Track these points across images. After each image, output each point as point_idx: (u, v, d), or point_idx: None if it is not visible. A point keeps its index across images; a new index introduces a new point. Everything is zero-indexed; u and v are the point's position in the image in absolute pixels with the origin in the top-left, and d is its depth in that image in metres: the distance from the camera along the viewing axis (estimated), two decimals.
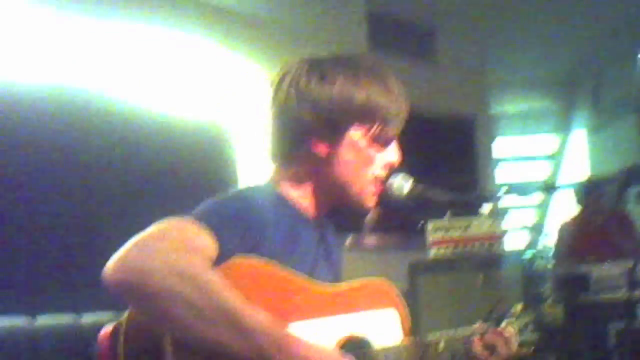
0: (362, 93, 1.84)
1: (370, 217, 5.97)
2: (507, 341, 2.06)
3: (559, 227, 6.87)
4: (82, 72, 4.29)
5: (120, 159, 4.05)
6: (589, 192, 6.27)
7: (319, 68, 1.86)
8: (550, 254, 6.75)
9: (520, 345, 2.18)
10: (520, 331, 2.19)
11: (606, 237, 5.95)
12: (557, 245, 6.68)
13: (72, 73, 4.24)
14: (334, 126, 1.84)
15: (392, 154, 1.94)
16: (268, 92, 1.93)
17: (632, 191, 1.68)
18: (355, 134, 1.86)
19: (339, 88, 1.83)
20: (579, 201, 6.50)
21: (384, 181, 1.94)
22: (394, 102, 1.89)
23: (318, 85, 1.83)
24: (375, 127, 1.87)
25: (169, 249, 1.49)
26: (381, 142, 1.90)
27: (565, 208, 6.81)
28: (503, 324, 2.15)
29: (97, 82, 4.31)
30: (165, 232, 1.54)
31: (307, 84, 1.84)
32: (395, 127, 1.91)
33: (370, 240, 6.14)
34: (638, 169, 1.61)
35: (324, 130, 1.83)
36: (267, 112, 1.92)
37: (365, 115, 1.85)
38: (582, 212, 6.48)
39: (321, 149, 1.85)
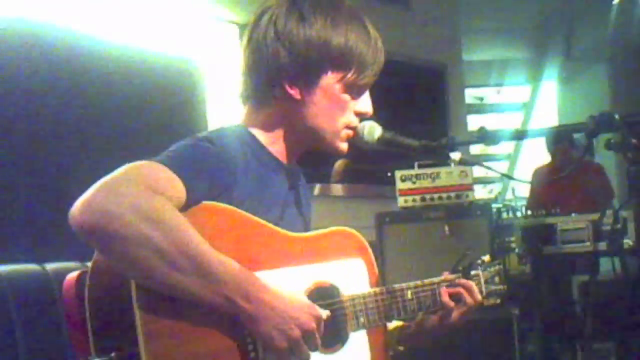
0: (340, 38, 1.83)
1: (338, 166, 5.95)
2: (470, 292, 2.06)
3: (532, 172, 6.91)
4: (47, 5, 4.17)
5: (86, 96, 3.95)
6: (557, 141, 6.29)
7: (298, 9, 1.84)
8: (519, 204, 6.80)
9: (488, 295, 2.20)
10: (487, 282, 2.21)
11: (577, 186, 5.98)
12: (531, 191, 6.72)
13: (36, 6, 4.12)
14: (309, 69, 1.83)
15: (364, 103, 1.94)
16: (243, 31, 1.92)
17: (601, 139, 1.66)
18: (330, 79, 1.86)
19: (318, 31, 1.82)
20: (549, 150, 6.52)
21: (355, 128, 1.94)
22: (371, 50, 1.88)
23: (297, 26, 1.82)
24: (350, 73, 1.86)
25: (136, 192, 1.47)
26: (355, 89, 1.90)
27: (535, 158, 6.83)
28: (471, 274, 2.16)
29: (63, 15, 4.19)
30: (133, 175, 1.51)
31: (286, 24, 1.83)
32: (369, 76, 1.91)
33: (339, 189, 6.12)
34: (606, 117, 1.58)
35: (298, 73, 1.82)
36: (243, 51, 1.90)
37: (342, 60, 1.84)
38: (552, 161, 6.51)
39: (295, 91, 1.84)
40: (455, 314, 2.04)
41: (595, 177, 6.30)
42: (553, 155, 6.49)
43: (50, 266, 2.20)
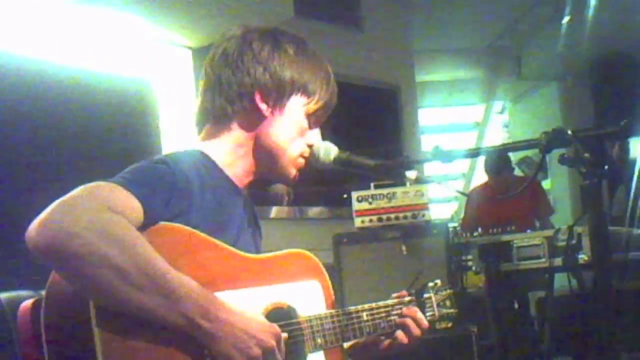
0: (308, 70, 1.94)
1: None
2: (417, 322, 2.09)
3: (468, 194, 6.98)
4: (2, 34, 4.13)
5: (40, 118, 3.90)
6: (499, 160, 6.38)
7: (272, 37, 1.94)
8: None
9: (440, 319, 2.25)
10: (439, 305, 2.25)
11: (514, 204, 6.05)
12: (466, 210, 6.79)
13: None
14: (282, 88, 1.90)
15: (316, 137, 2.01)
16: (196, 55, 1.96)
17: (551, 156, 1.69)
18: (298, 102, 1.93)
19: (291, 59, 1.91)
20: (488, 170, 6.61)
21: (306, 158, 1.99)
22: (330, 89, 1.99)
23: (272, 50, 1.91)
24: (314, 102, 1.94)
25: (94, 211, 1.46)
26: (313, 119, 1.98)
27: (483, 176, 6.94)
28: (423, 297, 2.20)
29: (15, 39, 4.15)
30: (90, 195, 1.51)
31: (263, 46, 1.91)
32: (325, 110, 2.01)
33: (296, 211, 6.12)
34: (559, 133, 1.61)
35: (271, 89, 1.89)
36: (209, 67, 1.95)
37: (308, 89, 1.93)
38: (491, 180, 6.59)
39: (265, 106, 1.90)
40: (404, 341, 2.07)
41: (533, 193, 6.37)
42: (493, 173, 6.57)
43: (3, 295, 2.16)
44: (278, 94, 1.90)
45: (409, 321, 2.07)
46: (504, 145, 2.65)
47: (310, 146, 1.97)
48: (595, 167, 1.56)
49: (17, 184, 3.68)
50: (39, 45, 4.28)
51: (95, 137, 4.14)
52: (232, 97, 1.89)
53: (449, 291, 2.30)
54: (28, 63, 3.96)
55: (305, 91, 1.93)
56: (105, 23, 4.76)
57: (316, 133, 2.01)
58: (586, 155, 1.57)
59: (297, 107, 1.93)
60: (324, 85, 1.96)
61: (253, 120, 1.91)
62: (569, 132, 1.62)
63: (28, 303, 1.57)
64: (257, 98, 1.89)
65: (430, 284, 2.25)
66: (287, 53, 1.92)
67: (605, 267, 1.58)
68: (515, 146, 2.00)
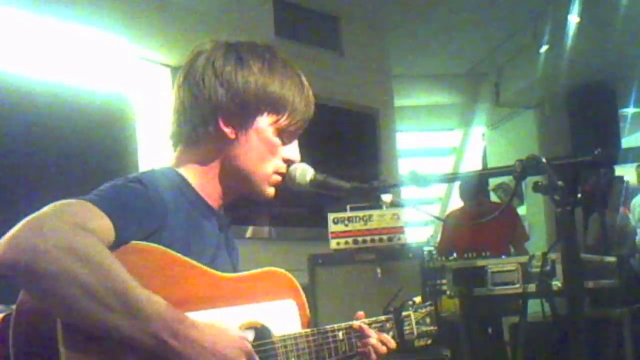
0: (276, 83, 1.87)
1: (269, 209, 5.96)
2: (384, 343, 2.07)
3: (445, 218, 7.00)
4: None
5: (17, 133, 3.88)
6: (474, 186, 6.41)
7: (236, 52, 1.88)
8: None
9: (419, 336, 2.24)
10: (419, 323, 2.25)
11: (490, 229, 6.07)
12: (442, 234, 6.81)
13: None
14: (246, 109, 1.85)
15: (293, 150, 1.97)
16: (176, 73, 1.93)
17: (527, 182, 1.71)
18: (265, 121, 1.88)
19: (255, 75, 1.85)
20: (463, 196, 6.65)
21: (284, 174, 1.95)
22: (304, 99, 1.93)
23: (234, 68, 1.85)
24: (283, 118, 1.89)
25: (64, 228, 1.44)
26: (286, 135, 1.93)
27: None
28: (402, 315, 2.19)
29: None
30: (61, 213, 1.49)
31: (225, 65, 1.85)
32: (300, 123, 1.95)
33: (272, 231, 6.12)
34: (533, 161, 1.62)
35: (234, 112, 1.84)
36: (177, 89, 1.91)
37: (276, 105, 1.88)
38: (466, 206, 6.62)
39: (230, 129, 1.85)
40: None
41: (508, 219, 6.40)
42: (469, 199, 6.60)
43: None
44: (242, 116, 1.85)
45: (372, 343, 2.05)
46: (479, 171, 2.67)
47: (286, 161, 1.94)
48: (569, 195, 1.58)
49: None
50: (19, 60, 4.26)
51: (72, 152, 4.12)
52: (196, 122, 1.85)
53: (428, 308, 2.29)
54: (6, 78, 3.94)
55: (273, 109, 1.88)
56: (84, 39, 4.76)
57: (293, 147, 1.96)
58: (560, 183, 1.58)
59: (265, 126, 1.88)
60: (296, 99, 1.90)
61: (220, 143, 1.87)
62: (544, 160, 1.64)
63: None
64: (221, 122, 1.84)
65: (410, 302, 2.25)
66: (251, 70, 1.85)
67: (577, 294, 1.59)
68: (490, 173, 2.03)
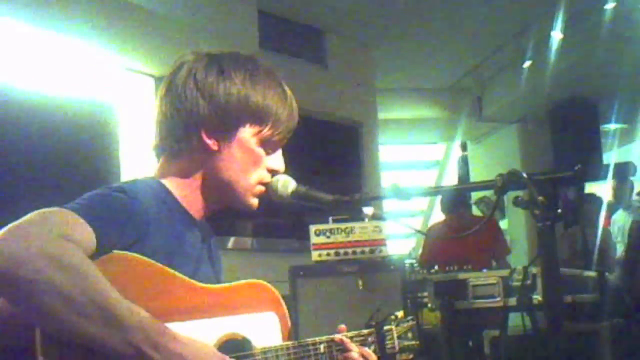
0: (258, 94, 1.86)
1: (251, 220, 5.96)
2: (365, 355, 2.06)
3: (427, 231, 7.01)
4: None
5: None
6: (453, 207, 6.44)
7: (218, 63, 1.87)
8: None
9: (401, 351, 2.22)
10: (401, 337, 2.23)
11: (472, 242, 6.09)
12: (424, 247, 6.83)
13: None
14: (227, 121, 1.84)
15: (277, 160, 1.96)
16: (159, 84, 1.91)
17: (508, 197, 1.72)
18: (247, 132, 1.87)
19: (237, 85, 1.84)
20: (445, 209, 6.67)
21: (267, 184, 1.94)
22: (287, 108, 1.92)
23: (216, 80, 1.84)
24: (266, 129, 1.88)
25: (45, 237, 1.44)
26: (270, 145, 1.92)
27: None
28: (384, 329, 2.18)
29: None
30: (42, 221, 1.48)
31: (206, 76, 1.84)
32: (284, 133, 1.94)
33: (253, 242, 6.11)
34: (514, 175, 1.64)
35: (216, 124, 1.83)
36: (159, 101, 1.90)
37: (259, 116, 1.87)
38: (448, 219, 6.64)
39: (212, 141, 1.84)
40: None
41: (490, 232, 6.42)
42: (450, 212, 6.63)
43: None
44: (224, 128, 1.84)
45: (356, 358, 2.04)
46: (460, 185, 2.68)
47: (271, 171, 1.93)
48: (549, 210, 1.59)
49: None
50: (3, 69, 4.25)
51: (55, 160, 4.11)
52: (179, 134, 1.85)
53: (410, 323, 2.27)
54: None
55: (256, 119, 1.87)
56: (68, 49, 4.75)
57: (277, 157, 1.95)
58: (540, 198, 1.59)
59: (248, 137, 1.87)
60: (279, 109, 1.89)
61: (203, 155, 1.86)
62: (524, 174, 1.65)
63: None
64: (203, 134, 1.83)
65: (392, 316, 2.24)
66: (233, 81, 1.85)
67: (557, 308, 1.60)
68: (470, 187, 2.04)
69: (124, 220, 1.65)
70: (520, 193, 1.69)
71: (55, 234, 1.46)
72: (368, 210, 1.95)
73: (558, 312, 1.62)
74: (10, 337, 1.48)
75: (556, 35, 7.27)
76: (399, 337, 2.22)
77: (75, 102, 4.44)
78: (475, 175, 10.28)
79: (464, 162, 10.69)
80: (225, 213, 2.02)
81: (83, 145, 4.37)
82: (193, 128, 1.84)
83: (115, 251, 1.60)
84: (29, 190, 3.82)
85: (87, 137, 4.44)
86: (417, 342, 2.27)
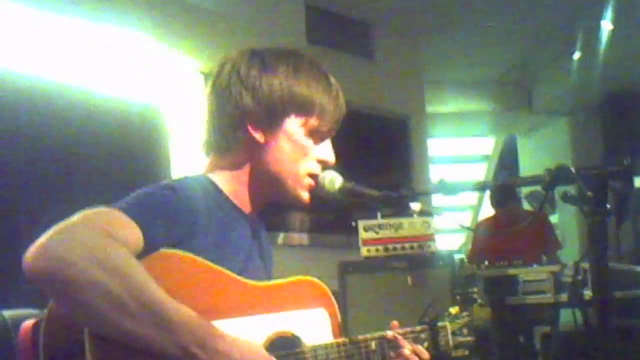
0: (302, 84, 1.87)
1: (300, 216, 5.97)
2: (417, 353, 2.04)
3: (476, 226, 6.95)
4: (10, 50, 4.16)
5: (49, 140, 3.91)
6: (505, 193, 6.36)
7: (260, 57, 1.89)
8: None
9: (455, 347, 2.21)
10: (455, 333, 2.21)
11: (521, 237, 6.02)
12: (473, 243, 6.77)
13: (3, 54, 4.10)
14: (273, 112, 1.85)
15: (326, 151, 1.96)
16: (208, 80, 1.94)
17: (557, 191, 1.70)
18: (294, 123, 1.88)
19: (280, 78, 1.86)
20: (494, 203, 6.60)
21: (317, 177, 1.95)
22: (332, 98, 1.92)
23: (259, 73, 1.86)
24: (313, 118, 1.89)
25: (91, 238, 1.45)
26: (317, 135, 1.93)
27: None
28: (437, 326, 2.17)
29: (27, 60, 4.17)
30: (89, 221, 1.50)
31: (249, 70, 1.86)
32: (331, 125, 1.94)
33: (303, 238, 6.12)
34: (563, 170, 1.61)
35: (262, 116, 1.85)
36: (206, 98, 1.93)
37: (304, 106, 1.87)
38: (497, 214, 6.57)
39: (259, 134, 1.86)
40: None
41: (540, 227, 6.34)
42: (500, 207, 6.56)
43: (8, 313, 2.17)
44: (270, 120, 1.86)
45: (408, 355, 2.02)
46: (507, 180, 2.65)
47: (320, 162, 1.94)
48: (598, 206, 1.57)
49: (23, 204, 3.69)
50: (49, 65, 4.30)
51: (103, 161, 4.15)
52: (225, 129, 1.87)
53: (466, 319, 2.26)
54: (37, 83, 3.98)
55: (302, 110, 1.88)
56: (117, 46, 4.80)
57: (326, 147, 1.96)
58: (589, 193, 1.57)
59: (295, 127, 1.88)
60: (324, 99, 1.90)
61: (250, 149, 1.88)
62: (572, 169, 1.63)
63: (29, 323, 1.56)
64: (249, 127, 1.85)
65: (446, 312, 2.23)
66: (275, 74, 1.86)
67: (606, 304, 1.58)
68: (518, 181, 2.02)
69: (171, 218, 1.66)
70: (569, 188, 1.67)
71: (101, 234, 1.47)
72: (415, 206, 1.93)
73: (607, 308, 1.59)
74: (60, 337, 1.49)
75: (606, 26, 7.15)
76: (453, 334, 2.21)
77: (125, 101, 4.48)
78: (525, 169, 10.16)
79: (513, 156, 10.58)
80: (276, 209, 2.02)
81: (132, 145, 4.41)
82: (239, 122, 1.86)
83: (163, 249, 1.61)
84: (77, 191, 3.86)
85: (137, 136, 4.48)
86: (473, 338, 2.25)
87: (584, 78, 8.04)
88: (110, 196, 1.67)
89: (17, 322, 1.61)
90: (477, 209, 10.67)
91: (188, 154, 4.83)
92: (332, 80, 1.96)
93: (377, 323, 2.10)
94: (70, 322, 1.46)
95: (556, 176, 1.65)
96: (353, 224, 4.61)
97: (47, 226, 1.46)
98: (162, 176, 4.52)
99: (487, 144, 10.84)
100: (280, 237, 5.90)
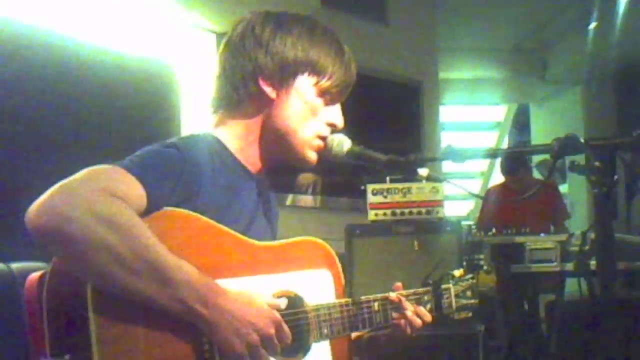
0: (315, 46, 1.89)
1: (305, 177, 5.97)
2: (420, 314, 2.06)
3: (486, 192, 6.94)
4: (24, 5, 4.14)
5: (58, 95, 3.89)
6: (514, 169, 6.35)
7: (275, 18, 1.90)
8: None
9: (458, 309, 2.22)
10: (458, 296, 2.23)
11: (530, 206, 6.02)
12: (482, 210, 6.77)
13: (11, 5, 4.08)
14: (286, 68, 1.87)
15: (335, 115, 1.97)
16: (221, 41, 1.95)
17: (565, 161, 1.70)
18: (305, 82, 1.90)
19: (294, 39, 1.88)
20: (505, 171, 6.59)
21: (325, 139, 1.95)
22: (344, 64, 1.93)
23: (274, 32, 1.87)
24: (324, 79, 1.90)
25: (94, 195, 1.46)
26: (327, 98, 1.93)
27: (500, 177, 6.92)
28: (441, 288, 2.18)
29: (40, 14, 4.15)
30: (92, 179, 1.50)
31: (263, 29, 1.88)
32: (341, 87, 1.95)
33: (311, 200, 6.13)
34: (571, 140, 1.61)
35: (274, 71, 1.86)
36: (219, 56, 1.93)
37: (316, 67, 1.89)
38: (507, 181, 6.56)
39: (270, 88, 1.87)
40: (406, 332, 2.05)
41: (549, 196, 6.33)
42: (510, 174, 6.55)
43: (16, 265, 2.19)
44: (282, 76, 1.87)
45: (407, 315, 2.04)
46: (516, 148, 2.65)
47: (329, 125, 1.95)
48: (605, 176, 1.56)
49: (31, 159, 3.69)
50: (62, 20, 4.28)
51: (113, 118, 4.13)
52: (237, 83, 1.88)
53: (470, 281, 2.27)
54: (49, 37, 3.96)
55: (314, 69, 1.89)
56: (130, 4, 4.78)
57: (335, 110, 1.97)
58: (596, 164, 1.57)
59: (306, 86, 1.89)
60: (336, 61, 1.91)
61: (260, 105, 1.89)
62: (581, 139, 1.62)
63: (35, 275, 1.58)
64: (261, 82, 1.86)
65: (449, 275, 2.23)
66: (290, 33, 1.88)
67: (609, 274, 1.58)
68: (527, 150, 2.02)
69: (175, 177, 1.66)
70: (579, 158, 1.67)
71: (104, 191, 1.48)
72: (423, 171, 1.94)
73: (610, 278, 1.60)
74: (63, 291, 1.51)
75: None
76: (456, 296, 2.22)
77: (136, 59, 4.45)
78: (537, 138, 10.12)
79: (522, 124, 10.54)
80: (285, 170, 2.03)
81: (143, 103, 4.39)
82: (251, 75, 1.87)
83: (166, 208, 1.61)
84: (85, 147, 3.86)
85: (147, 94, 4.45)
86: (476, 301, 2.27)
87: (599, 48, 7.97)
88: (119, 153, 1.68)
89: (24, 274, 1.62)
90: (487, 176, 10.65)
91: (199, 113, 4.83)
92: (345, 46, 1.97)
93: (382, 286, 2.11)
94: (73, 277, 1.48)
95: (565, 145, 1.65)
96: (362, 187, 4.61)
97: (53, 182, 1.46)
98: (172, 134, 4.52)
99: (499, 112, 10.79)
100: (289, 199, 5.92)
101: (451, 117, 9.96)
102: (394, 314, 2.04)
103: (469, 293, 2.26)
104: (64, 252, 1.46)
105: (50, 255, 1.52)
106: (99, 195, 1.46)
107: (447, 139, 8.11)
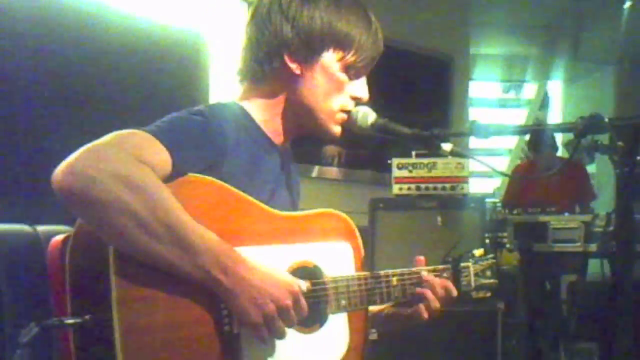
0: (342, 19, 1.87)
1: (331, 149, 5.97)
2: (446, 289, 2.06)
3: (512, 170, 6.90)
4: None
5: (88, 62, 3.92)
6: (540, 148, 6.31)
7: None
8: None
9: (477, 289, 2.21)
10: (478, 275, 2.22)
11: (556, 184, 5.98)
12: (508, 187, 6.75)
13: None
14: (311, 44, 1.86)
15: (361, 88, 1.96)
16: (248, 10, 1.94)
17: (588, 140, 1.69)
18: (330, 57, 1.89)
19: (321, 11, 1.86)
20: (531, 149, 6.55)
21: (348, 113, 1.95)
22: (371, 35, 1.91)
23: (301, 4, 1.86)
24: (350, 54, 1.89)
25: (119, 159, 1.47)
26: (353, 71, 1.92)
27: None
28: (460, 266, 2.17)
29: None
30: (118, 143, 1.51)
31: (290, 2, 1.86)
32: (367, 61, 1.94)
33: (336, 172, 6.14)
34: (595, 119, 1.60)
35: (300, 47, 1.85)
36: (246, 27, 1.93)
37: (342, 41, 1.87)
38: (534, 159, 6.53)
39: (295, 65, 1.87)
40: (426, 309, 2.04)
41: (575, 176, 6.30)
42: (536, 152, 6.51)
43: (41, 228, 2.21)
44: (307, 51, 1.86)
45: (426, 292, 2.03)
46: (540, 126, 2.63)
47: (354, 98, 1.94)
48: (628, 156, 1.55)
49: (62, 123, 3.72)
50: None
51: (142, 84, 4.15)
52: (262, 58, 1.87)
53: (490, 261, 2.26)
54: (81, 3, 3.97)
55: (340, 44, 1.88)
56: None
57: (361, 84, 1.96)
58: (619, 143, 1.56)
59: (332, 61, 1.88)
60: (363, 36, 1.89)
61: (285, 80, 1.89)
62: (605, 119, 1.61)
63: (59, 238, 1.59)
64: (286, 57, 1.86)
65: (470, 253, 2.23)
66: (317, 6, 1.86)
67: (628, 255, 1.58)
68: (551, 128, 2.00)
69: (200, 144, 1.67)
70: (601, 137, 1.66)
71: (130, 155, 1.49)
72: (447, 146, 1.93)
73: (630, 259, 1.59)
74: (86, 252, 1.52)
75: None
76: (475, 275, 2.21)
77: (166, 26, 4.46)
78: (567, 117, 10.05)
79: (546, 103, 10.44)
80: (311, 141, 2.03)
81: (172, 72, 4.39)
82: (276, 51, 1.86)
83: (190, 174, 1.62)
84: (116, 111, 3.88)
85: (177, 62, 4.46)
86: (496, 281, 2.25)
87: (633, 27, 7.87)
88: (147, 119, 1.68)
89: (49, 237, 1.64)
90: (515, 153, 10.59)
91: (228, 82, 4.83)
92: (372, 17, 1.95)
93: (404, 260, 2.10)
94: (96, 240, 1.49)
95: (589, 124, 1.63)
96: (388, 161, 4.61)
97: (80, 146, 1.47)
98: (200, 103, 4.53)
99: (530, 89, 10.71)
100: (315, 170, 5.93)
101: (481, 92, 9.89)
102: (415, 289, 2.04)
103: (488, 273, 2.25)
104: (88, 214, 1.47)
105: (75, 218, 1.54)
106: (124, 159, 1.48)
107: (475, 115, 8.07)
